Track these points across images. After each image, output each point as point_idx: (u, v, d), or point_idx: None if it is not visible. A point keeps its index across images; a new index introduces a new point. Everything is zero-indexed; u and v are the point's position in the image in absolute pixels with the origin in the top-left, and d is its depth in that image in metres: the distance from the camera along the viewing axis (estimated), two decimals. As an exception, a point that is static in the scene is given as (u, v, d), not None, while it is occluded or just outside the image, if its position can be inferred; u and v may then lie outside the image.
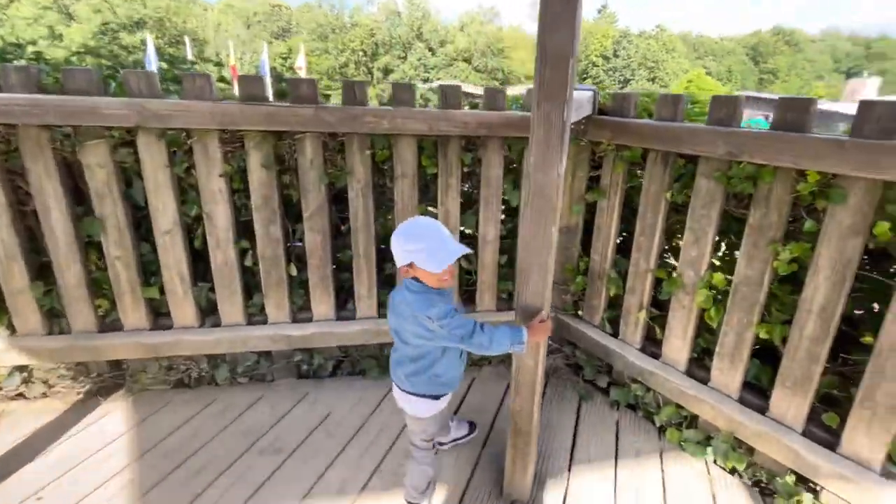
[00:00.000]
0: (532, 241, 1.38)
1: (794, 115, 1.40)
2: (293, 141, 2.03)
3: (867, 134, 1.27)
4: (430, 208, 2.25)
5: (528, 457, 1.64)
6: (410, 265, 1.31)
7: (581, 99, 1.75)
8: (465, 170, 2.17)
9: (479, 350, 1.34)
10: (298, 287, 2.35)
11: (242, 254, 2.22)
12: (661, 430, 1.97)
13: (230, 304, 2.24)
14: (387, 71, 52.30)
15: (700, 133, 1.59)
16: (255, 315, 2.33)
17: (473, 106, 2.10)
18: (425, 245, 1.27)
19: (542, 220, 1.35)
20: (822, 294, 1.42)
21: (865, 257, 1.46)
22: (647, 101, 1.94)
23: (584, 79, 50.78)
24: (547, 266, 1.40)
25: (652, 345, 2.00)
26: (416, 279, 1.35)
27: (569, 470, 1.82)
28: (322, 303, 2.29)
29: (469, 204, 2.27)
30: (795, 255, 1.46)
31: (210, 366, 2.35)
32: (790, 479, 1.59)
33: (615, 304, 2.13)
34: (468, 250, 1.30)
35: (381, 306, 2.34)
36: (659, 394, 1.94)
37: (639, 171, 1.96)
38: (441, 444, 1.90)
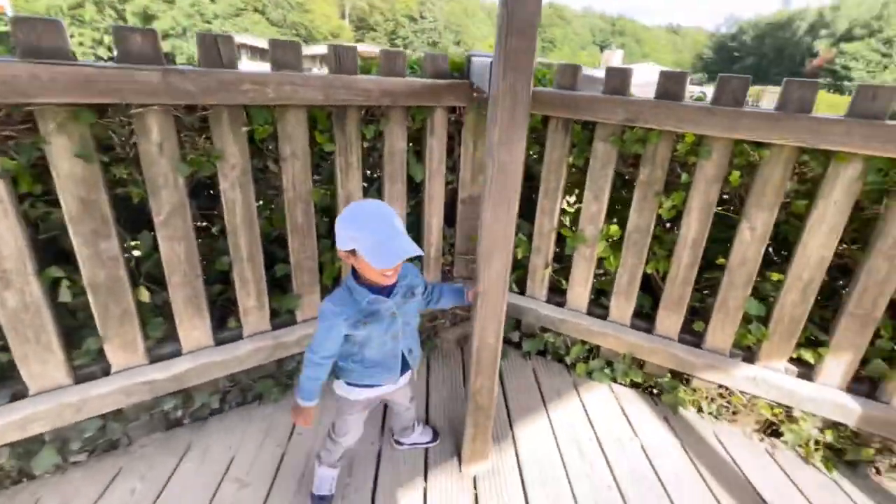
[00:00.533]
0: (494, 223, 1.35)
1: (674, 87, 1.70)
2: (127, 118, 1.44)
3: (724, 103, 1.63)
4: (325, 192, 1.94)
5: (487, 431, 1.68)
6: (352, 252, 1.19)
7: (487, 66, 1.74)
8: (366, 145, 1.94)
9: (303, 367, 1.34)
10: (153, 314, 1.77)
11: (53, 287, 1.54)
12: (570, 367, 2.28)
13: (40, 363, 1.56)
14: (147, 17, 40.21)
15: (600, 101, 1.78)
16: (89, 366, 1.68)
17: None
18: (372, 235, 1.15)
19: (506, 199, 1.33)
20: (694, 230, 1.83)
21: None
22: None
23: (394, 39, 49.96)
24: (510, 247, 1.40)
25: (556, 295, 2.25)
26: (354, 270, 1.28)
27: (511, 428, 1.95)
28: (194, 328, 1.79)
29: (368, 181, 2.05)
30: (675, 203, 1.82)
31: (17, 456, 1.61)
32: (668, 377, 2.07)
33: (520, 265, 2.29)
34: (420, 252, 1.17)
35: (275, 316, 1.97)
36: (567, 336, 2.22)
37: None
38: (399, 443, 1.79)
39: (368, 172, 2.10)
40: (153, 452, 1.77)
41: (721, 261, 1.85)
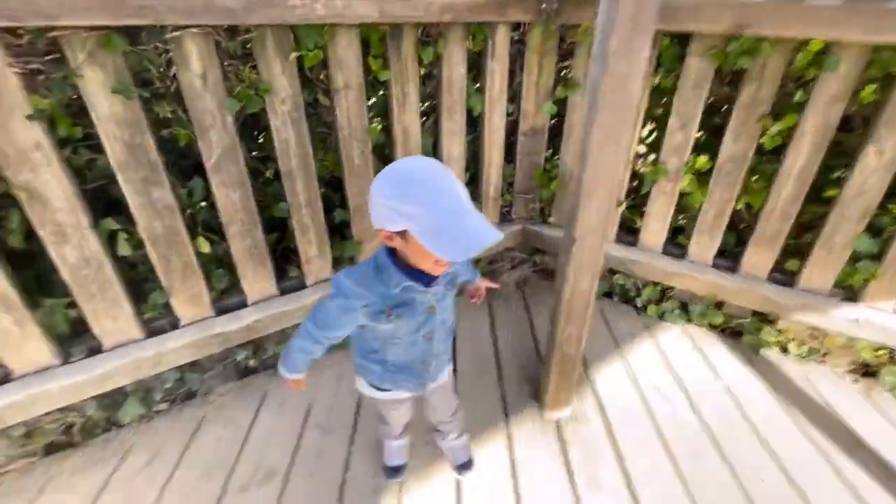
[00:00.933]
0: (602, 152, 1.09)
1: (804, -21, 1.32)
2: (163, 44, 1.18)
3: (870, -3, 1.26)
4: (380, 128, 1.68)
5: (572, 378, 1.53)
6: (401, 234, 0.80)
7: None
8: (422, 72, 1.64)
9: (297, 333, 1.02)
10: (214, 265, 1.62)
11: (110, 240, 1.37)
12: (640, 309, 2.08)
13: (111, 318, 1.44)
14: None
15: (704, 6, 1.42)
16: (158, 320, 1.56)
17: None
18: (435, 213, 0.75)
19: (620, 124, 1.06)
20: (804, 158, 1.52)
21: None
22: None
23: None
24: (617, 182, 1.14)
25: (626, 235, 2.00)
26: (393, 251, 0.89)
27: (587, 371, 1.80)
28: (259, 279, 1.64)
29: (423, 115, 1.77)
30: (786, 126, 1.50)
31: (103, 406, 1.55)
32: (751, 318, 1.86)
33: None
34: (500, 236, 0.77)
35: (336, 263, 1.80)
36: (638, 278, 2.00)
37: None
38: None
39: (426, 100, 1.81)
40: (231, 401, 1.70)
41: (830, 192, 1.55)
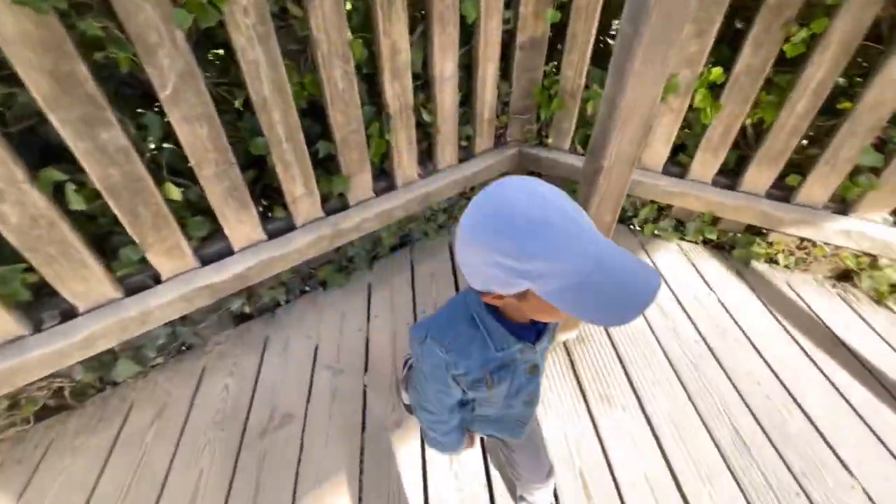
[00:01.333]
0: (646, 70, 0.91)
1: None
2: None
3: None
4: (358, 39, 1.37)
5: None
6: (522, 295, 0.55)
7: None
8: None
9: (424, 429, 0.84)
10: (190, 213, 1.39)
11: (59, 192, 1.12)
12: (634, 227, 2.03)
13: (80, 280, 1.24)
14: None
15: None
16: (135, 275, 1.36)
17: None
18: (576, 269, 0.50)
19: (669, 36, 0.87)
20: (824, 70, 1.38)
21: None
22: None
23: None
24: (655, 106, 0.97)
25: (626, 155, 1.86)
26: (495, 310, 0.65)
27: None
28: (242, 223, 1.44)
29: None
30: (812, 33, 1.32)
31: (93, 369, 1.41)
32: (745, 233, 1.84)
33: (586, 123, 1.84)
34: (660, 280, 0.53)
35: (326, 202, 1.60)
36: (637, 198, 1.91)
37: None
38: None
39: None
40: (231, 349, 1.60)
41: (846, 105, 1.44)
